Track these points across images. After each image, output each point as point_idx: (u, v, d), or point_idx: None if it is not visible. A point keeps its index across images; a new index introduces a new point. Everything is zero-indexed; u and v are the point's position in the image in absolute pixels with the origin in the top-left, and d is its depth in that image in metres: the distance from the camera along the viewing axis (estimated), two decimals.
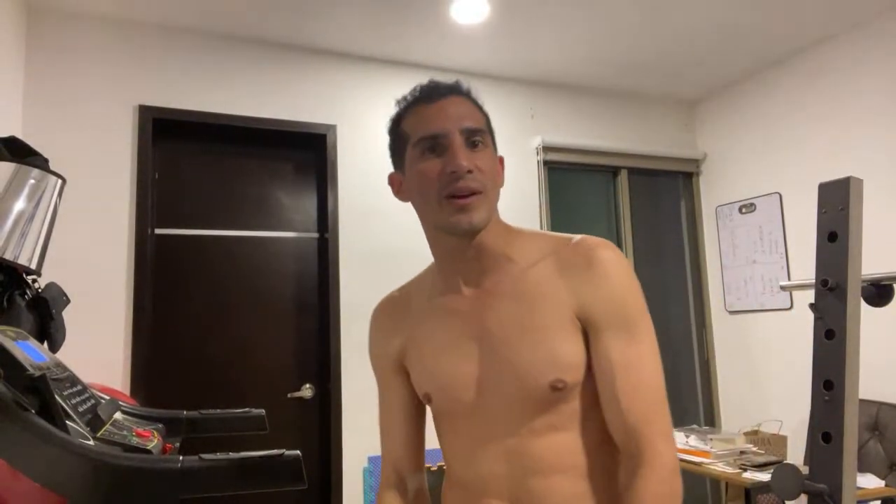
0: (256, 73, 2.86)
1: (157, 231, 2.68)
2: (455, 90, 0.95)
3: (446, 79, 0.98)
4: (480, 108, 0.97)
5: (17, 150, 1.84)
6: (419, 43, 2.94)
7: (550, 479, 0.88)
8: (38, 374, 1.10)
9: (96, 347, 2.44)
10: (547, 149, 3.43)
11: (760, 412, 3.35)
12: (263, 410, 1.83)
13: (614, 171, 3.76)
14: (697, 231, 3.91)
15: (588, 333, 0.88)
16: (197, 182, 2.80)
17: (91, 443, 1.15)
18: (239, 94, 2.80)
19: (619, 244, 3.67)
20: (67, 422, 1.15)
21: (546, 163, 3.46)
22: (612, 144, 3.64)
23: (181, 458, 1.10)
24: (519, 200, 3.34)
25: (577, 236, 0.93)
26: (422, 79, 3.44)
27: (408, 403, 1.06)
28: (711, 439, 2.44)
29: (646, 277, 3.63)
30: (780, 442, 2.97)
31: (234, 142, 2.84)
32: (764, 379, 3.45)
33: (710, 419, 3.76)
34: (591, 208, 3.76)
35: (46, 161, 1.89)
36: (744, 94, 3.63)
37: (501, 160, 0.99)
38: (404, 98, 0.97)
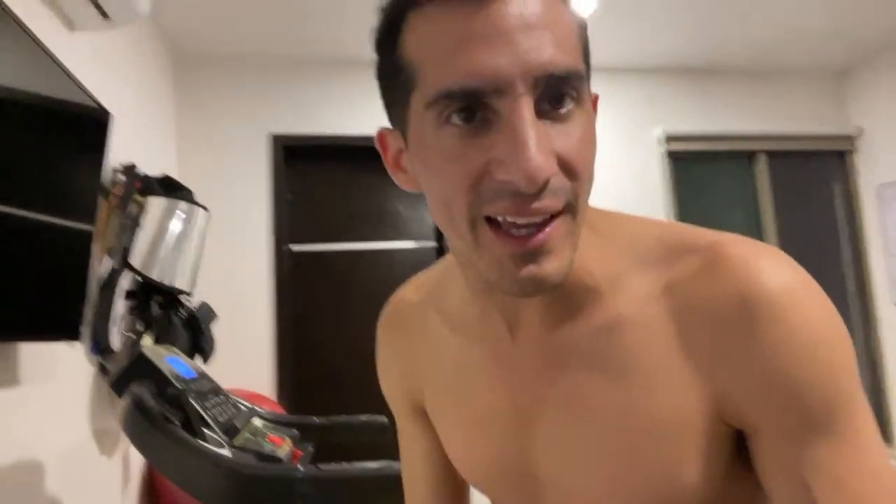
0: (370, 93, 2.99)
1: (293, 247, 2.91)
2: None
3: None
4: (571, 13, 0.47)
5: (168, 186, 2.09)
6: None
7: None
8: (177, 390, 1.25)
9: (246, 357, 2.69)
10: (670, 139, 3.24)
11: None
12: (385, 418, 1.92)
13: (750, 157, 3.45)
14: (856, 216, 3.47)
15: (748, 435, 0.49)
16: (324, 199, 3.00)
17: (225, 451, 1.28)
18: (356, 114, 2.94)
19: (760, 236, 3.36)
20: (207, 430, 1.29)
21: (670, 154, 3.26)
22: (746, 127, 3.34)
23: (299, 467, 1.19)
24: (640, 199, 3.17)
25: (708, 243, 0.50)
26: None
27: (431, 456, 0.72)
28: None
29: None
30: None
31: (354, 159, 3.00)
32: None
33: (882, 431, 3.32)
34: (726, 199, 3.48)
35: (191, 193, 2.13)
36: None
37: (595, 101, 0.52)
38: None
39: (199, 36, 2.68)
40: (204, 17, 2.52)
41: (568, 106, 0.45)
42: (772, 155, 3.43)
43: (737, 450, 0.50)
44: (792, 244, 3.37)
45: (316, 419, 1.87)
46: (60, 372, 1.59)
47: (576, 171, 0.45)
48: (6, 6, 1.09)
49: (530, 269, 0.45)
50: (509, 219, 0.45)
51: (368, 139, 3.08)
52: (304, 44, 2.81)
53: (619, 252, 0.54)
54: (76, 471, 1.65)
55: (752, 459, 0.49)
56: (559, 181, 0.45)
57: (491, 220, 0.46)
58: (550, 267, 0.46)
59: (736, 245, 0.49)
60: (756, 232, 3.39)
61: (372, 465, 1.18)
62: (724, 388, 0.48)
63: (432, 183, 0.49)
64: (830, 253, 3.49)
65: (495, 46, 0.43)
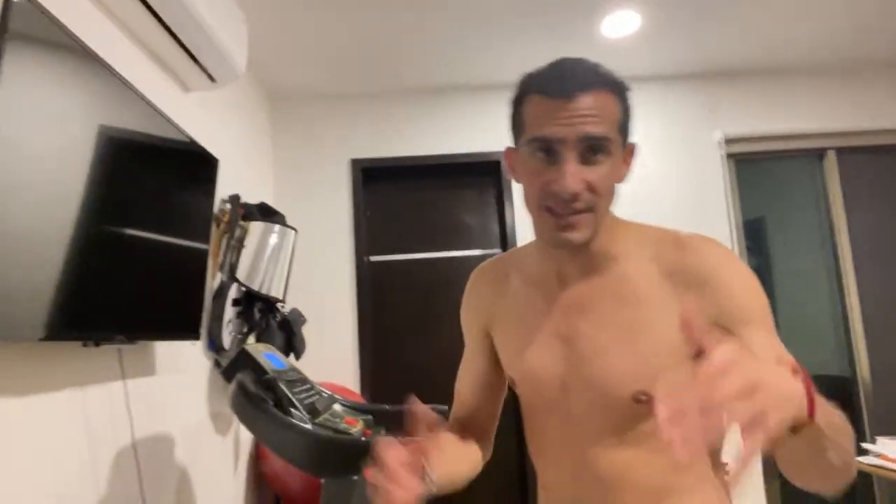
0: (438, 116, 3.31)
1: (372, 258, 3.28)
2: (588, 84, 0.81)
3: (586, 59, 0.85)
4: (619, 101, 0.83)
5: (265, 212, 2.49)
6: None
7: (612, 495, 0.85)
8: (270, 377, 1.60)
9: (334, 355, 3.08)
10: (730, 141, 3.30)
11: None
12: (446, 407, 2.20)
13: (819, 155, 3.43)
14: None
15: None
16: (399, 215, 3.35)
17: (308, 426, 1.61)
18: (426, 136, 3.27)
19: (831, 237, 3.35)
20: (293, 410, 1.63)
21: (731, 156, 3.32)
22: (811, 125, 3.34)
23: (363, 437, 1.50)
24: (700, 202, 3.26)
25: (682, 233, 0.87)
26: None
27: (481, 367, 1.07)
28: None
29: (872, 276, 3.24)
30: None
31: (425, 177, 3.33)
32: None
33: None
34: (793, 199, 3.48)
35: (284, 217, 2.53)
36: None
37: (631, 149, 0.89)
38: (532, 76, 0.87)
39: (289, 82, 3.10)
40: (294, 66, 2.93)
41: (598, 155, 0.82)
42: (842, 151, 3.40)
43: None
44: (866, 247, 3.31)
45: (387, 406, 2.19)
46: (185, 365, 2.01)
47: (596, 189, 0.82)
48: (130, 84, 1.48)
49: (564, 234, 0.83)
50: (556, 210, 0.83)
51: (437, 157, 3.48)
52: (376, 79, 3.16)
53: (628, 239, 0.90)
54: (197, 443, 2.06)
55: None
56: (586, 196, 0.81)
57: (548, 208, 0.84)
58: (577, 235, 0.83)
59: (695, 236, 0.87)
60: (827, 232, 3.37)
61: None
62: (698, 310, 0.77)
63: (525, 184, 0.88)
64: None
65: (561, 121, 0.80)
